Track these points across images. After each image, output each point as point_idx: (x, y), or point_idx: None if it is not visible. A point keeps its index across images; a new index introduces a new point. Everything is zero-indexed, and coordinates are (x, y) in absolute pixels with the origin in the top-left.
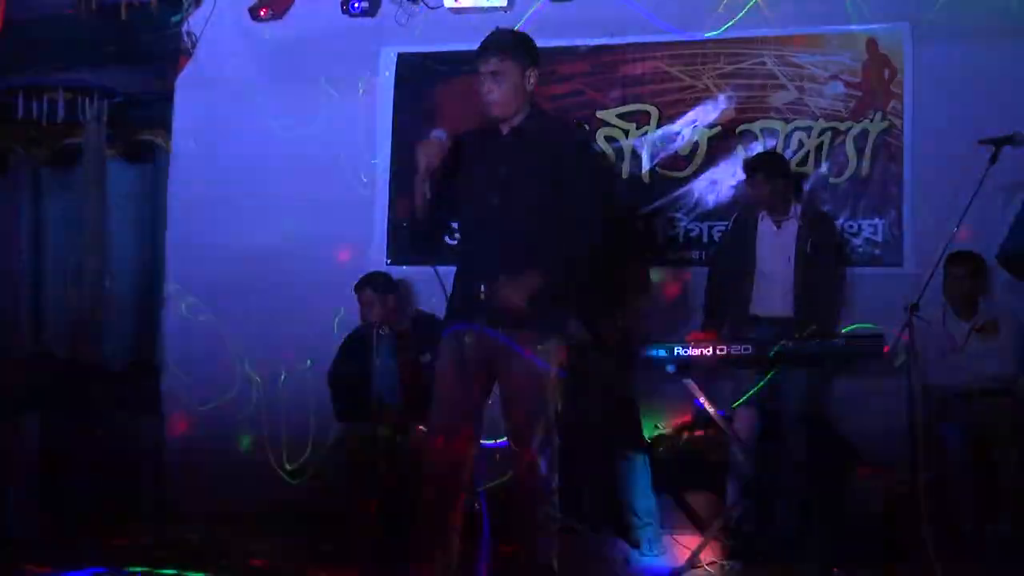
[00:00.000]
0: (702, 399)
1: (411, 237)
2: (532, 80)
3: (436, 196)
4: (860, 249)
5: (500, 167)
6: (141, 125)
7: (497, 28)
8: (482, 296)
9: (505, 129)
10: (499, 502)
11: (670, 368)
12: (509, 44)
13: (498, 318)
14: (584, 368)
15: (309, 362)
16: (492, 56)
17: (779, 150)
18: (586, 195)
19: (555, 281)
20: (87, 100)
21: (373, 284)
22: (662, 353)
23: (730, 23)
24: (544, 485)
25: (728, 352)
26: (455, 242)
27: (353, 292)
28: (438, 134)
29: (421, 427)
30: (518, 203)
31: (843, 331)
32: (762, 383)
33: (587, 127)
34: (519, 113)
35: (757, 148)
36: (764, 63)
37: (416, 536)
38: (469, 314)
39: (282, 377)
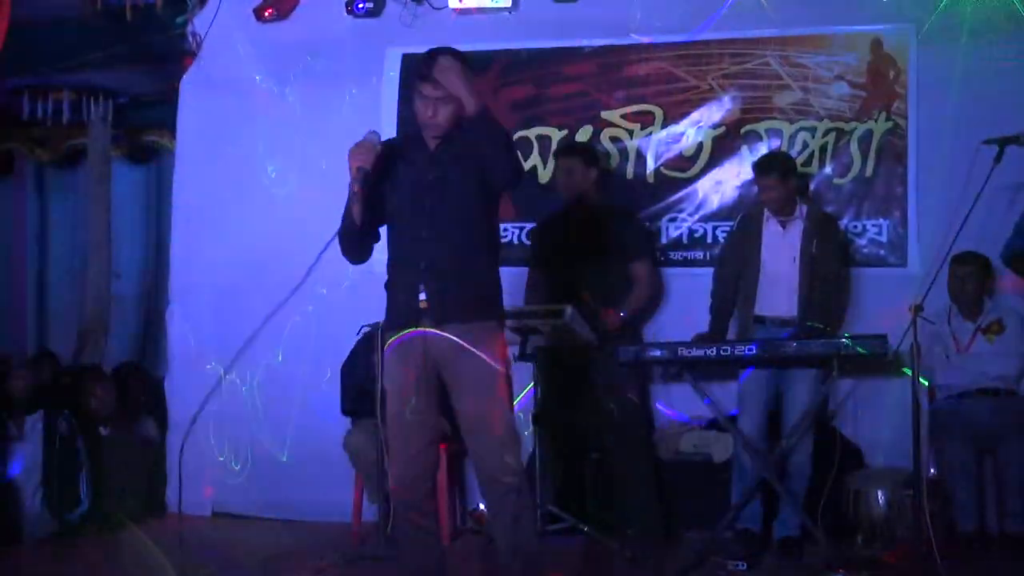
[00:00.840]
0: (708, 399)
1: (344, 243)
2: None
3: (367, 199)
4: (865, 250)
5: (430, 173)
6: (146, 126)
7: (437, 47)
8: (422, 301)
9: (433, 143)
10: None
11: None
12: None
13: (440, 317)
14: (586, 369)
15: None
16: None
17: (784, 151)
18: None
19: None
20: (92, 101)
21: None
22: (667, 354)
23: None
24: (511, 475)
25: (732, 352)
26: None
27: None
28: (372, 133)
29: None
30: (451, 204)
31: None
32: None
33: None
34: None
35: (762, 149)
36: (769, 64)
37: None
38: (409, 317)
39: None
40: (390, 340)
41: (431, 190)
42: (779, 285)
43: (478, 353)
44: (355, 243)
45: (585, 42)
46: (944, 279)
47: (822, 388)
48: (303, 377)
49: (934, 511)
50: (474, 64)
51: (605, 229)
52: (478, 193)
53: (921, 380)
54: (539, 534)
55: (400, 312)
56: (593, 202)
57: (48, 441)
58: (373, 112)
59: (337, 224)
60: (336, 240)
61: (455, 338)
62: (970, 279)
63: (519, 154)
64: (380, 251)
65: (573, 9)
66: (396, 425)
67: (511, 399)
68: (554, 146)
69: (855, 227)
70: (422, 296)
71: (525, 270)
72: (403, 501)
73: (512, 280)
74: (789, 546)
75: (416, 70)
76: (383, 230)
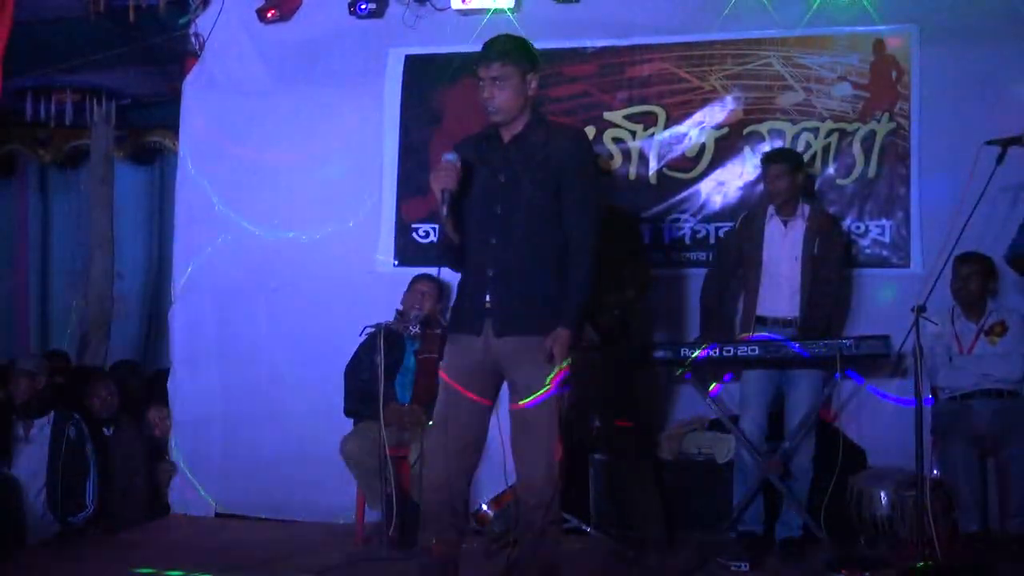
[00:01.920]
0: (708, 400)
1: (445, 260)
2: (533, 85)
3: (456, 215)
4: (867, 250)
5: (502, 175)
6: (148, 127)
7: (499, 34)
8: (488, 307)
9: (507, 136)
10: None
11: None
12: (511, 49)
13: (504, 326)
14: (588, 368)
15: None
16: (494, 61)
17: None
18: (586, 203)
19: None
20: (95, 102)
21: (431, 276)
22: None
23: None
24: (547, 489)
25: (735, 353)
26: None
27: (411, 283)
28: (450, 157)
29: None
30: (521, 211)
31: None
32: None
33: (592, 130)
34: (520, 118)
35: (764, 149)
36: (771, 64)
37: (424, 540)
38: (475, 322)
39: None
40: (452, 339)
41: (502, 193)
42: (781, 285)
43: (538, 364)
44: (455, 259)
45: (587, 43)
46: (947, 280)
47: (824, 389)
48: (307, 378)
49: (937, 512)
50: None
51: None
52: (551, 200)
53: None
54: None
55: (465, 316)
56: None
57: (55, 445)
58: (376, 113)
59: (341, 226)
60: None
61: (516, 346)
62: (972, 280)
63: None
64: (378, 252)
65: (575, 10)
66: (443, 419)
67: (561, 414)
68: None
69: (858, 227)
70: (488, 301)
71: None
72: (438, 499)
73: None
74: (791, 547)
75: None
76: None
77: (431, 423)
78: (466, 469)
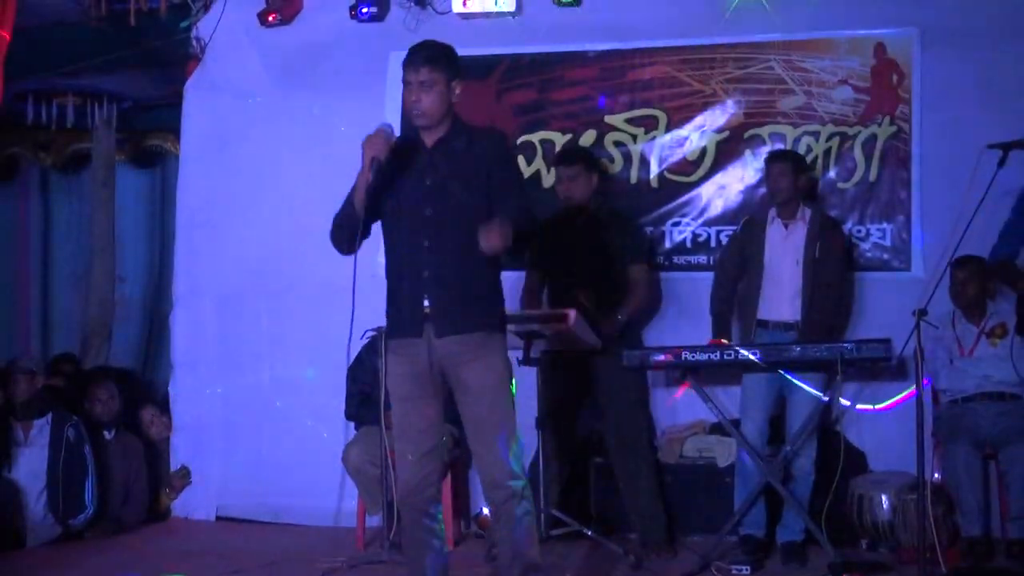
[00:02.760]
0: (710, 404)
1: (337, 232)
2: (457, 91)
3: (374, 192)
4: (868, 253)
5: (427, 179)
6: (150, 130)
7: (425, 39)
8: (427, 310)
9: (429, 141)
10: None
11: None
12: (439, 55)
13: (445, 327)
14: (590, 372)
15: (310, 372)
16: (423, 65)
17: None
18: (516, 189)
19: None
20: (96, 105)
21: None
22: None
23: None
24: (514, 480)
25: (736, 357)
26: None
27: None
28: (387, 125)
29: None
30: (452, 213)
31: None
32: None
33: (593, 133)
34: (443, 124)
35: (765, 153)
36: (772, 68)
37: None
38: (414, 328)
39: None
40: (393, 347)
41: (430, 197)
42: (782, 288)
43: (481, 361)
44: (349, 233)
45: (588, 46)
46: (948, 283)
47: (826, 392)
48: (308, 381)
49: (938, 516)
50: (477, 69)
51: (604, 233)
52: (479, 200)
53: None
54: (541, 539)
55: (404, 321)
56: (593, 207)
57: (54, 446)
58: (377, 117)
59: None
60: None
61: (458, 346)
62: (970, 283)
63: (528, 203)
64: (379, 255)
65: (576, 13)
66: (401, 430)
67: (513, 405)
68: (557, 150)
69: (859, 231)
70: (426, 304)
71: (523, 274)
72: (409, 505)
73: (513, 283)
74: (792, 551)
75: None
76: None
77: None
78: (432, 475)
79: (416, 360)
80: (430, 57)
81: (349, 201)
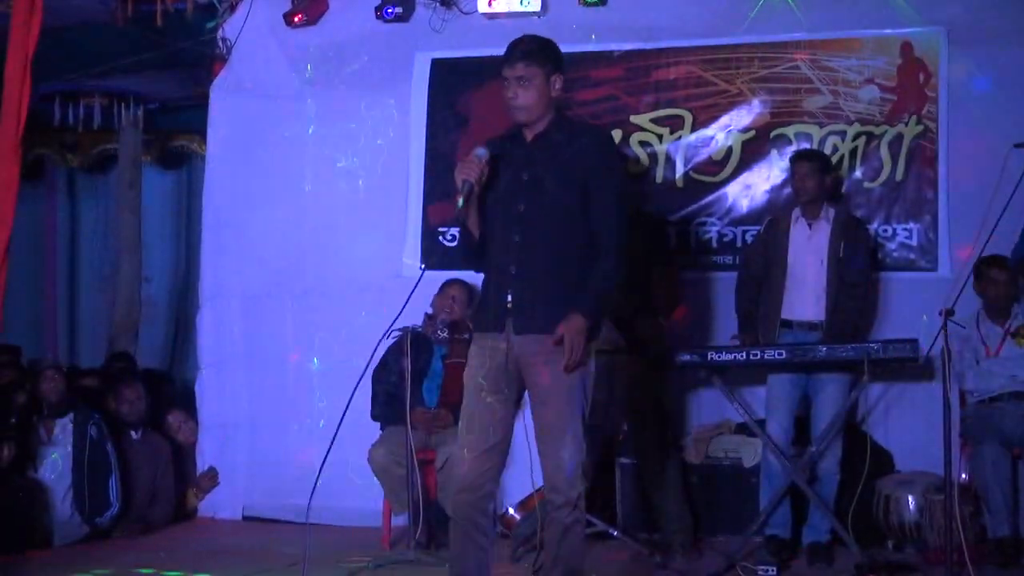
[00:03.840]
0: (735, 404)
1: (464, 258)
2: (557, 86)
3: (479, 212)
4: (895, 253)
5: (524, 173)
6: (176, 131)
7: (524, 34)
8: (509, 305)
9: (529, 135)
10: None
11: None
12: (535, 49)
13: (525, 325)
14: (615, 372)
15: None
16: (518, 61)
17: (812, 153)
18: (613, 200)
19: (598, 306)
20: (123, 106)
21: (463, 281)
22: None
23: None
24: (572, 489)
25: (762, 357)
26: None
27: (442, 287)
28: (480, 152)
29: None
30: (544, 209)
31: None
32: None
33: (618, 133)
34: (543, 119)
35: (791, 152)
36: (798, 67)
37: (451, 543)
38: (496, 322)
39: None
40: (476, 339)
41: (525, 191)
42: (806, 288)
43: (557, 364)
44: (474, 256)
45: (614, 46)
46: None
47: (852, 393)
48: (334, 382)
49: (965, 516)
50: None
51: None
52: (574, 199)
53: None
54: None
55: (487, 314)
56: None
57: (78, 445)
58: (403, 117)
59: (368, 230)
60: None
61: (536, 345)
62: (999, 283)
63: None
64: (404, 255)
65: (601, 13)
66: (467, 422)
67: (583, 412)
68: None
69: (885, 231)
70: (509, 299)
71: None
72: (465, 500)
73: None
74: (818, 551)
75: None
76: None
77: (458, 426)
78: (492, 471)
79: (495, 354)
80: (526, 52)
81: (463, 228)
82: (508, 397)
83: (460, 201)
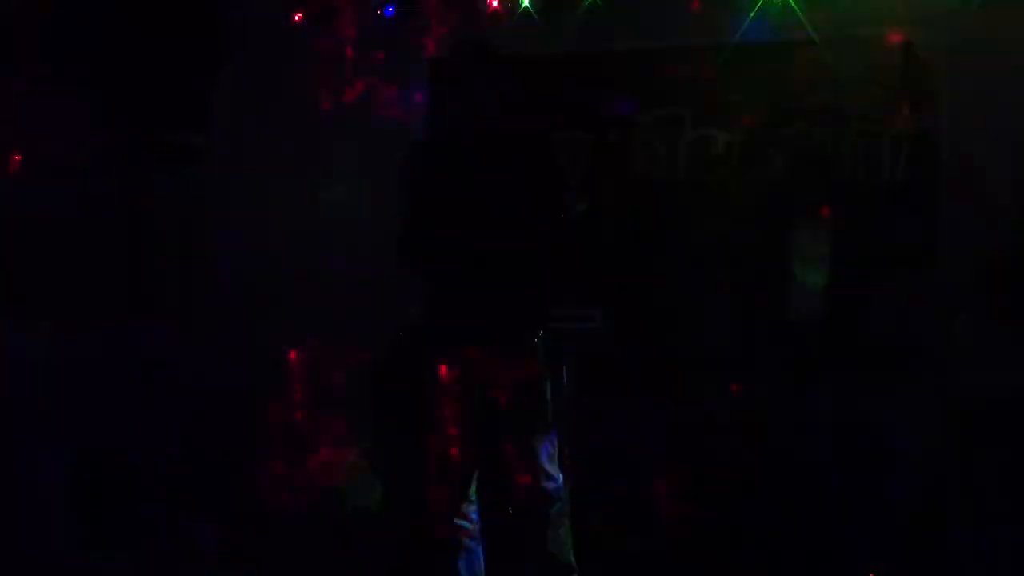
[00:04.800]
0: None
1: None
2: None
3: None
4: (895, 253)
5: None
6: (179, 126)
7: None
8: (469, 314)
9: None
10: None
11: None
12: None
13: (482, 330)
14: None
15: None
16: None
17: (813, 154)
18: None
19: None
20: None
21: None
22: None
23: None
24: (551, 483)
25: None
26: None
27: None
28: None
29: None
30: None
31: None
32: None
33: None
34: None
35: (792, 153)
36: (798, 67)
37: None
38: (454, 329)
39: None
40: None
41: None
42: (807, 288)
43: (523, 363)
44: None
45: (613, 46)
46: (976, 283)
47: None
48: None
49: (966, 515)
50: None
51: None
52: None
53: None
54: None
55: (445, 320)
56: None
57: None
58: (403, 115)
59: (368, 225)
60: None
61: (499, 349)
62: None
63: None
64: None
65: (601, 13)
66: (437, 426)
67: (549, 402)
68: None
69: (886, 231)
70: (469, 306)
71: None
72: (447, 501)
73: None
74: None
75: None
76: None
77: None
78: (469, 474)
79: (456, 362)
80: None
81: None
82: (477, 401)
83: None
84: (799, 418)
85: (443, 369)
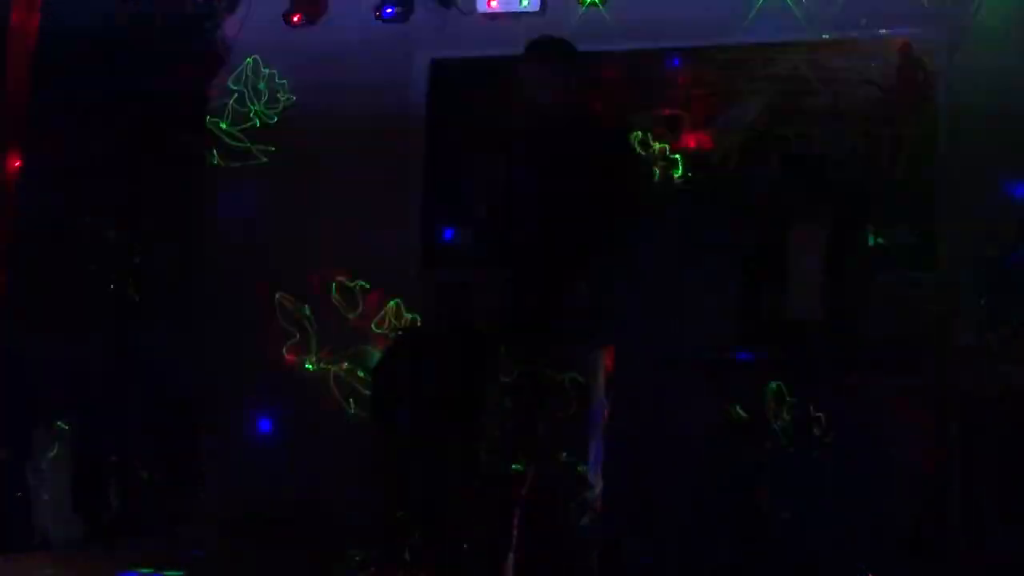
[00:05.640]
0: None
1: None
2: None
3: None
4: (892, 254)
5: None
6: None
7: (541, 34)
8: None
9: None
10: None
11: None
12: (551, 48)
13: (540, 330)
14: None
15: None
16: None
17: (812, 155)
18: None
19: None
20: None
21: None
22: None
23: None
24: (589, 492)
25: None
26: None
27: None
28: None
29: None
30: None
31: None
32: None
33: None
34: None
35: (791, 153)
36: (797, 68)
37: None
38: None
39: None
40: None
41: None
42: (805, 289)
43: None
44: None
45: (613, 47)
46: (973, 284)
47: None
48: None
49: (962, 514)
50: (502, 69)
51: None
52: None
53: None
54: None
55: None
56: None
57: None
58: (401, 117)
59: (367, 230)
60: None
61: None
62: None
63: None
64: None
65: (601, 13)
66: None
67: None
68: None
69: (883, 232)
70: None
71: None
72: (496, 488)
73: None
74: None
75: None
76: None
77: None
78: None
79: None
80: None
81: None
82: (530, 399)
83: None
84: (798, 418)
85: (502, 365)
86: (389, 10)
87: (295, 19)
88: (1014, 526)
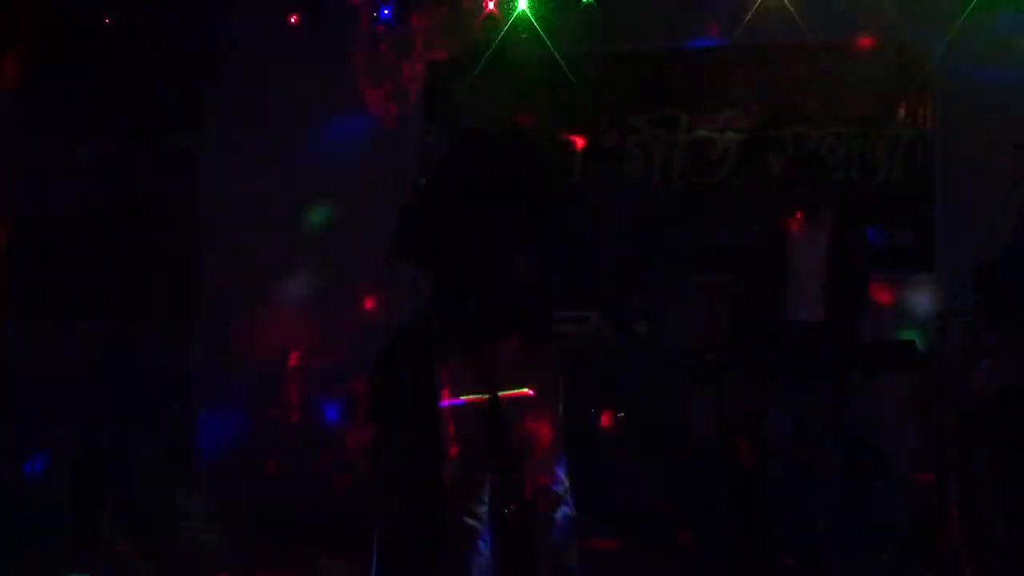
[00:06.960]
0: None
1: None
2: None
3: None
4: (890, 255)
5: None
6: (174, 130)
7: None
8: (480, 311)
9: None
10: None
11: None
12: None
13: (494, 329)
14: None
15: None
16: None
17: (810, 155)
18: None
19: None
20: None
21: None
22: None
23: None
24: (558, 486)
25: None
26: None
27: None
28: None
29: None
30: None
31: None
32: None
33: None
34: None
35: (788, 154)
36: (796, 68)
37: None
38: (470, 327)
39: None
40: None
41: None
42: (804, 289)
43: (534, 363)
44: None
45: (609, 47)
46: (970, 284)
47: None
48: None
49: (961, 519)
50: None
51: None
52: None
53: None
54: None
55: (458, 317)
56: None
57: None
58: (399, 119)
59: (365, 230)
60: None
61: (512, 346)
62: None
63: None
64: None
65: (600, 13)
66: (456, 423)
67: (560, 404)
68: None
69: (881, 232)
70: (478, 304)
71: None
72: (455, 504)
73: None
74: (814, 553)
75: None
76: None
77: None
78: (480, 472)
79: (471, 354)
80: None
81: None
82: (489, 400)
83: None
84: (798, 418)
85: (455, 364)
86: (386, 11)
87: (293, 20)
88: (1014, 526)
